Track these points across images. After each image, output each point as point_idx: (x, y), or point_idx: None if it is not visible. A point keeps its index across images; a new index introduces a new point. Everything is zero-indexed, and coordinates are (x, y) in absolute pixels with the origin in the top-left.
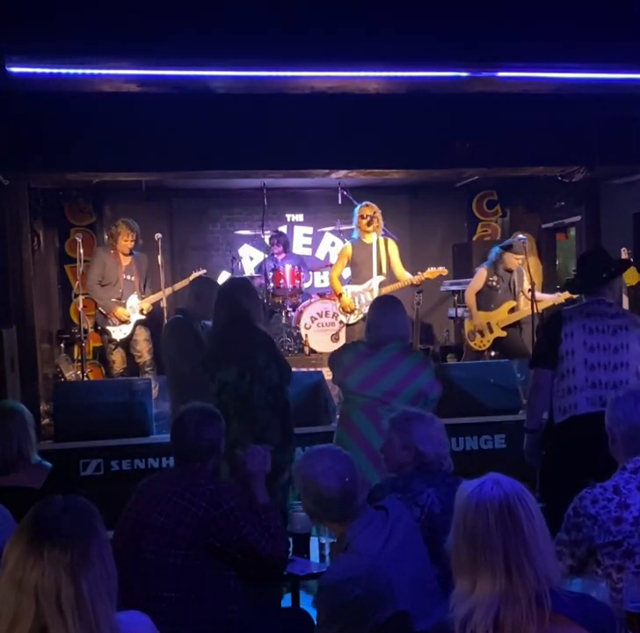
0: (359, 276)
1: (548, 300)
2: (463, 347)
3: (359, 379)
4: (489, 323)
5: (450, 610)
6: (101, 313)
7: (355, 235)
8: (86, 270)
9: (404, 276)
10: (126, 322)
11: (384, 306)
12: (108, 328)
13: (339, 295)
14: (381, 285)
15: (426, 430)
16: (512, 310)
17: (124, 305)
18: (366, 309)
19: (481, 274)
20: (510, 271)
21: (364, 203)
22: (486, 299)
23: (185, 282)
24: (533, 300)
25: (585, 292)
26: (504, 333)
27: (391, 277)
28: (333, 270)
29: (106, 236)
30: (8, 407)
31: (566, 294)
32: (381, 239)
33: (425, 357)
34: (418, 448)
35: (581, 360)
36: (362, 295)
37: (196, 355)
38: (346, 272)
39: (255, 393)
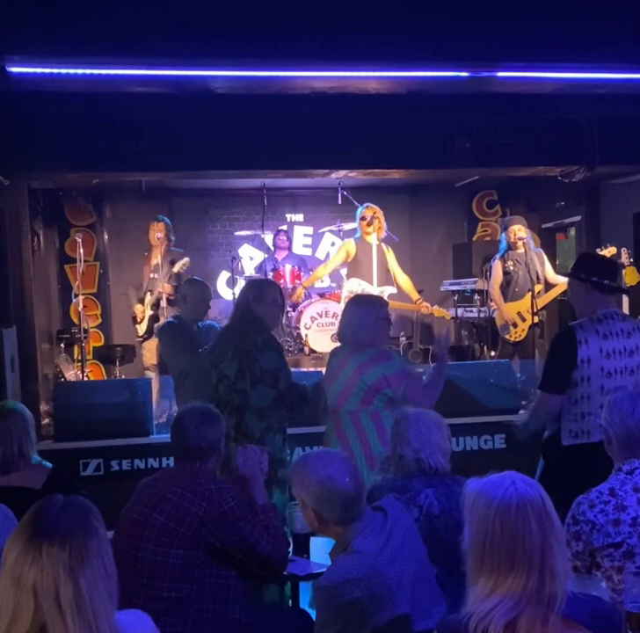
0: (358, 273)
1: (560, 285)
2: (499, 341)
3: (327, 387)
4: (519, 313)
5: (468, 607)
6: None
7: (358, 234)
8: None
9: (408, 284)
10: (141, 319)
11: (349, 307)
12: (136, 326)
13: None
14: (390, 297)
15: (406, 432)
16: (538, 294)
17: (142, 302)
18: None
19: (497, 266)
20: (521, 241)
21: (365, 205)
22: (510, 287)
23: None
24: (533, 301)
25: (612, 294)
26: (537, 319)
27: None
28: (328, 264)
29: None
30: (8, 407)
31: None
32: (383, 246)
33: (382, 352)
34: (397, 451)
35: (597, 386)
36: None
37: (191, 350)
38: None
39: (251, 392)
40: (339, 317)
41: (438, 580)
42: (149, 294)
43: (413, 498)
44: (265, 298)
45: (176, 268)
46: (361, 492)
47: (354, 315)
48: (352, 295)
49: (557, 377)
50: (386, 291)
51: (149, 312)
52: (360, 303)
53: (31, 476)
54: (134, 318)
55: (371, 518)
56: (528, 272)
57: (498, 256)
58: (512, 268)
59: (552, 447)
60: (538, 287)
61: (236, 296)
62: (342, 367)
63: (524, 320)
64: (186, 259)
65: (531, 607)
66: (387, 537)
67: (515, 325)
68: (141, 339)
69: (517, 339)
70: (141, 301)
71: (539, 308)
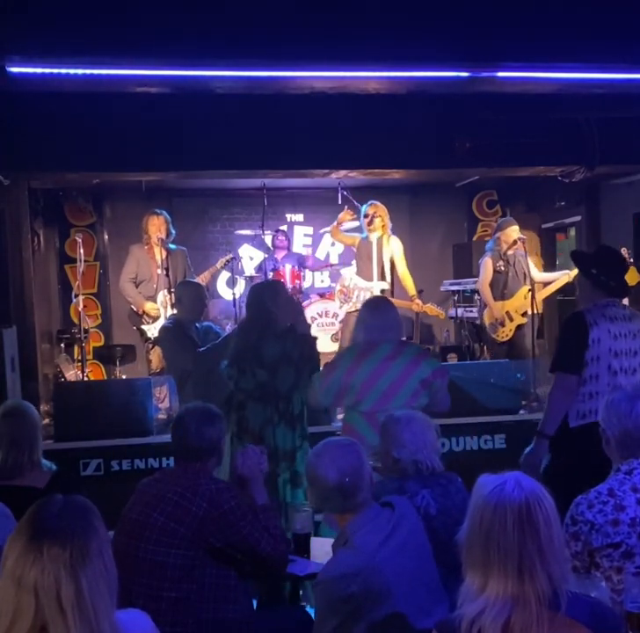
0: (361, 273)
1: (558, 280)
2: (488, 340)
3: (356, 388)
4: (508, 312)
5: (459, 605)
6: (134, 312)
7: (364, 234)
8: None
9: (407, 277)
10: (156, 317)
11: (374, 307)
12: (143, 327)
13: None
14: (383, 292)
15: (400, 435)
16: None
17: (154, 300)
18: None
19: (486, 264)
20: (513, 245)
21: (369, 203)
22: (499, 287)
23: (211, 271)
24: (533, 300)
25: (615, 296)
26: (524, 320)
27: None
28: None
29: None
30: (20, 409)
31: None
32: (384, 238)
33: (422, 349)
34: (392, 454)
35: (605, 366)
36: (362, 293)
37: (192, 350)
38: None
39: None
40: (340, 317)
41: (441, 580)
42: (165, 292)
43: (410, 499)
44: (281, 297)
45: (219, 264)
46: (349, 490)
47: (390, 313)
48: (344, 289)
49: (571, 356)
50: (377, 286)
51: (169, 311)
52: (384, 303)
53: (35, 476)
54: (145, 315)
55: (376, 513)
56: (516, 273)
57: (488, 254)
58: (502, 268)
59: (559, 434)
60: (526, 289)
61: (249, 298)
62: (387, 365)
63: (511, 320)
64: (229, 255)
65: (520, 610)
66: (389, 534)
67: (503, 324)
68: (152, 341)
69: (504, 339)
70: (152, 299)
71: (537, 308)
